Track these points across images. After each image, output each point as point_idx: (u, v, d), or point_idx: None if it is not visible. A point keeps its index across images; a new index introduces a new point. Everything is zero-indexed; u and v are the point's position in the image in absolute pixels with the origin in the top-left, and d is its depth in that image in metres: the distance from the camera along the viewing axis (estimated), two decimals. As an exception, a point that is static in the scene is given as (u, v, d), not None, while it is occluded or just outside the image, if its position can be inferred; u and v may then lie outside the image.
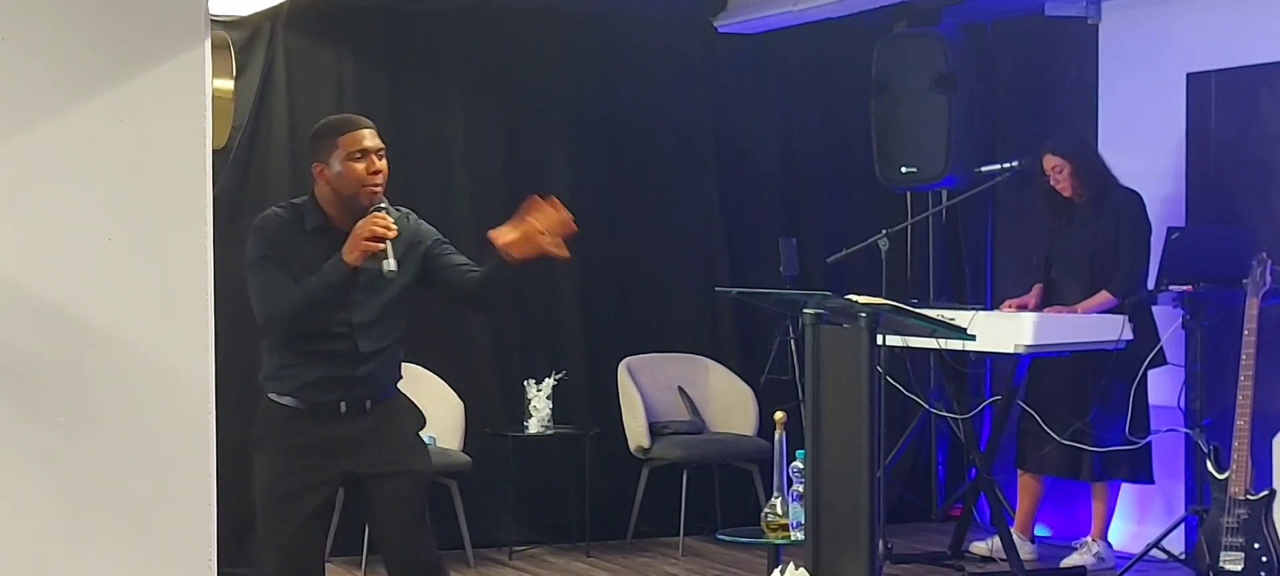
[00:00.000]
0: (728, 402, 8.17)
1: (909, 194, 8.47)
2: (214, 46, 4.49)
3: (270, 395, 4.67)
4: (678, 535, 7.84)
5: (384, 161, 4.63)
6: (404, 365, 4.87)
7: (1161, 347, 6.97)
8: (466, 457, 7.41)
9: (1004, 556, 7.07)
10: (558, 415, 7.80)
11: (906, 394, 7.43)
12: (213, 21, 4.46)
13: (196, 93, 4.31)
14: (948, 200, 8.26)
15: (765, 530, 5.67)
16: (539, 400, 7.75)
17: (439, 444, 7.27)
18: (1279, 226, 7.10)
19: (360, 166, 4.58)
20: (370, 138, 4.62)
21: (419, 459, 4.78)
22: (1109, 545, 7.27)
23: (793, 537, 5.60)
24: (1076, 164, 7.16)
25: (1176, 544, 7.05)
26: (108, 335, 4.20)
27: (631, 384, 7.96)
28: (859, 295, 5.43)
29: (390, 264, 4.48)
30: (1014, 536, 7.13)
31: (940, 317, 6.06)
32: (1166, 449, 7.25)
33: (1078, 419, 7.01)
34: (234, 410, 6.62)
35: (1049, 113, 8.23)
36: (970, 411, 7.43)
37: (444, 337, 7.61)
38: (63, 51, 4.18)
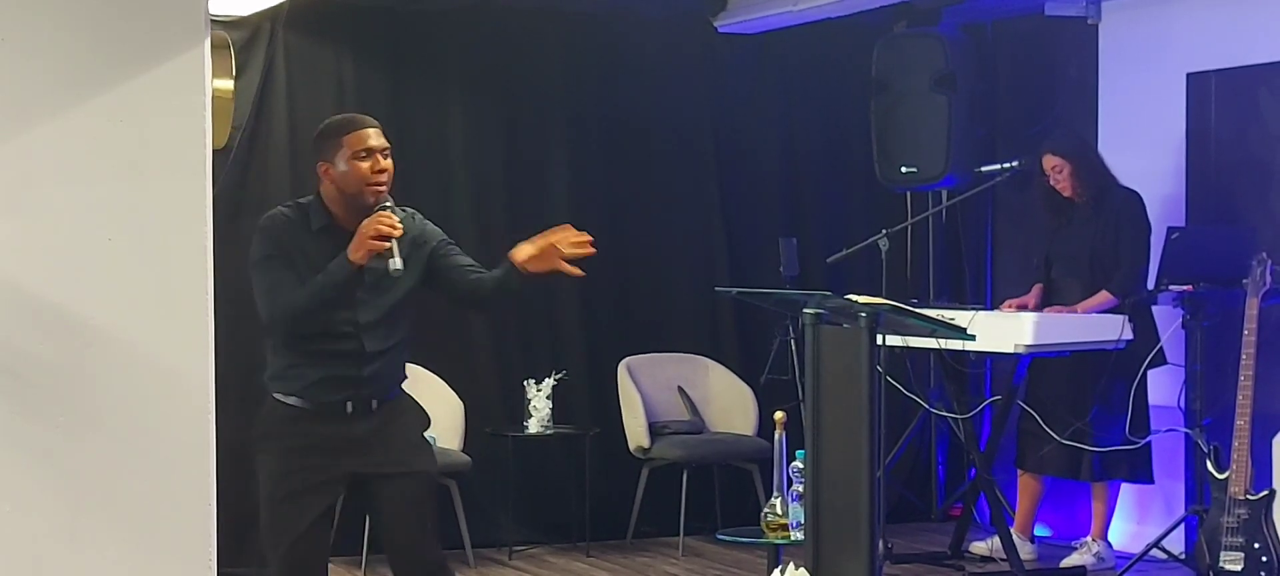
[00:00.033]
0: (728, 402, 8.18)
1: (909, 194, 8.47)
2: (214, 46, 4.49)
3: (275, 395, 4.66)
4: (678, 535, 7.84)
5: (389, 160, 4.63)
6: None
7: (1161, 347, 6.97)
8: (466, 457, 7.41)
9: (1004, 556, 7.07)
10: (558, 415, 7.80)
11: (906, 394, 7.43)
12: (213, 21, 4.45)
13: (196, 93, 4.30)
14: (948, 200, 8.26)
15: (765, 530, 5.67)
16: (539, 400, 7.75)
17: (439, 444, 7.27)
18: (1279, 226, 7.11)
19: (365, 165, 4.58)
20: (375, 137, 4.62)
21: (425, 460, 4.78)
22: (1109, 545, 7.27)
23: (793, 537, 5.60)
24: (1076, 164, 7.16)
25: (1176, 544, 7.05)
26: (108, 335, 4.20)
27: (631, 384, 7.96)
28: (859, 295, 5.43)
29: (396, 262, 4.48)
30: (1014, 536, 7.13)
31: (940, 317, 6.06)
32: (1166, 449, 7.25)
33: (1078, 419, 7.01)
34: (234, 410, 6.63)
35: (1049, 113, 8.23)
36: (970, 411, 7.43)
37: (444, 337, 7.61)
38: (63, 51, 4.18)
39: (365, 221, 4.51)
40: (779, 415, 5.70)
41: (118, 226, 4.22)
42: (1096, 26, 8.02)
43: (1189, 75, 7.52)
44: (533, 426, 7.76)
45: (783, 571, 5.25)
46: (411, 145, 7.66)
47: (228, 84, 7.25)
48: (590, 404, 8.15)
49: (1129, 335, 6.89)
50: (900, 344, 6.86)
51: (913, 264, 8.59)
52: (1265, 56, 7.20)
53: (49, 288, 4.16)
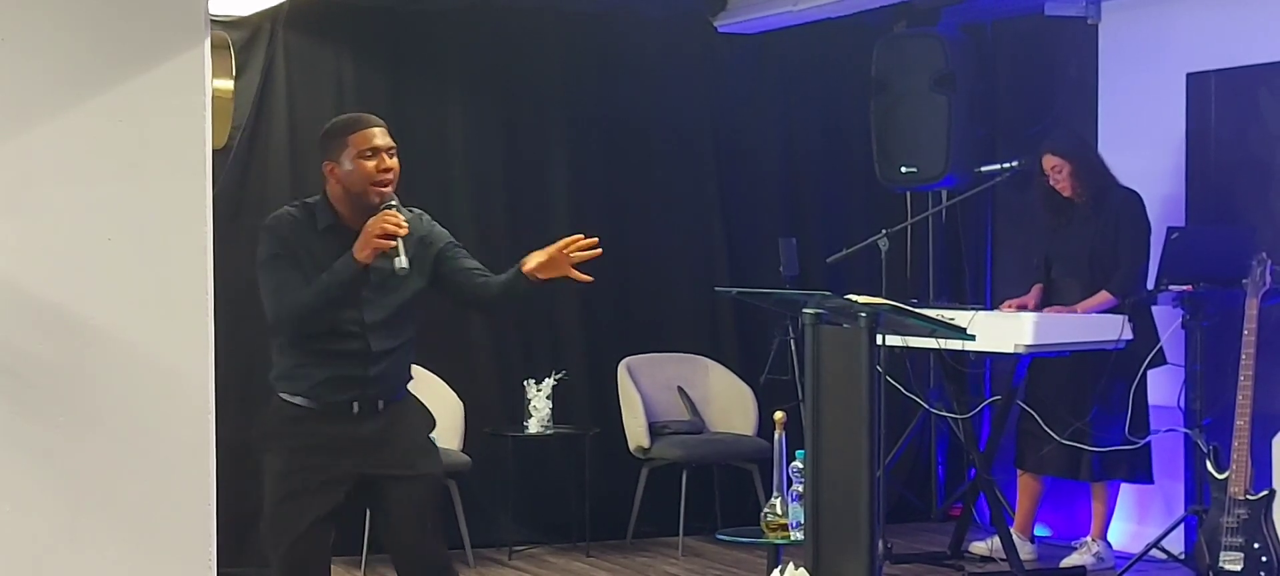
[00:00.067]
0: (727, 402, 8.18)
1: (909, 194, 8.47)
2: (214, 46, 4.48)
3: (282, 395, 4.65)
4: (677, 535, 7.84)
5: (395, 160, 4.64)
6: (406, 365, 4.87)
7: (1161, 347, 6.97)
8: (466, 457, 7.41)
9: (1004, 556, 7.07)
10: (557, 415, 7.80)
11: (906, 394, 7.44)
12: (213, 21, 4.45)
13: (196, 93, 4.30)
14: (947, 200, 8.26)
15: (765, 530, 5.67)
16: (539, 400, 7.75)
17: (439, 444, 7.24)
18: (1279, 226, 7.11)
19: (371, 165, 4.58)
20: (381, 136, 4.63)
21: (431, 462, 4.78)
22: (1108, 545, 7.27)
23: (792, 537, 5.60)
24: (1076, 164, 7.16)
25: (1176, 544, 7.05)
26: (108, 335, 4.20)
27: (631, 384, 7.96)
28: (859, 295, 5.43)
29: (401, 261, 4.48)
30: (1014, 536, 7.13)
31: (940, 317, 6.06)
32: (1166, 449, 7.25)
33: (1077, 419, 7.01)
34: (234, 410, 6.65)
35: (1049, 113, 8.23)
36: (970, 411, 7.43)
37: (444, 337, 7.61)
38: (63, 51, 4.18)
39: (371, 220, 4.51)
40: (779, 415, 5.70)
41: (118, 226, 4.22)
42: (1096, 26, 8.02)
43: (1189, 75, 7.52)
44: (533, 426, 7.76)
45: (782, 571, 5.25)
46: (411, 145, 7.61)
47: (228, 84, 7.25)
48: (590, 404, 8.15)
49: (1129, 335, 6.89)
50: (900, 344, 6.86)
51: (912, 264, 8.59)
52: (1265, 56, 7.20)
53: (49, 288, 4.16)
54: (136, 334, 4.23)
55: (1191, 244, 6.93)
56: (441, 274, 4.71)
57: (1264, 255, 6.34)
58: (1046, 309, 7.16)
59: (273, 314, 4.61)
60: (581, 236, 4.61)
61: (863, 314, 5.26)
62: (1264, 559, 6.09)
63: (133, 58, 4.23)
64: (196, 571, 4.29)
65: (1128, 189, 7.16)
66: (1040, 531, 7.68)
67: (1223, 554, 6.16)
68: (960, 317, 6.45)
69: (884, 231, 7.62)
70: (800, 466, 5.54)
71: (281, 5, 7.34)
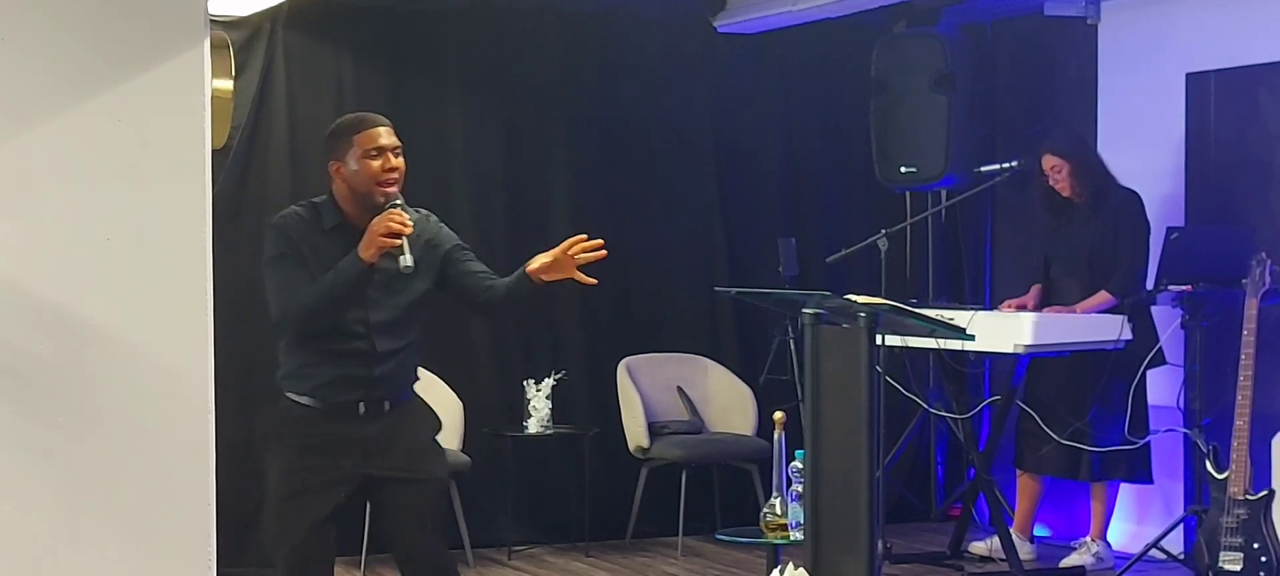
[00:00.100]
0: (727, 402, 8.18)
1: (908, 194, 8.47)
2: (213, 46, 4.49)
3: (288, 394, 4.65)
4: (677, 535, 7.84)
5: (400, 159, 4.64)
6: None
7: (1161, 347, 6.97)
8: (466, 457, 7.42)
9: (1003, 556, 7.08)
10: (557, 415, 7.80)
11: (906, 394, 7.44)
12: (212, 21, 4.46)
13: (196, 93, 4.31)
14: (947, 200, 8.26)
15: (764, 530, 5.67)
16: (538, 400, 7.75)
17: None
18: (1278, 226, 7.11)
19: (376, 164, 4.59)
20: (386, 135, 4.63)
21: (437, 464, 4.77)
22: (1108, 545, 7.27)
23: (792, 537, 5.60)
24: (1075, 164, 7.16)
25: (1176, 544, 7.05)
26: (108, 335, 4.20)
27: (631, 384, 7.96)
28: (858, 295, 5.43)
29: (407, 260, 4.47)
30: (1013, 536, 7.14)
31: (939, 317, 6.06)
32: (1166, 449, 7.25)
33: (1077, 419, 7.02)
34: (234, 410, 6.64)
35: (1048, 113, 8.23)
36: (969, 411, 7.43)
37: (443, 337, 7.60)
38: (63, 51, 4.18)
39: (376, 219, 4.51)
40: (778, 415, 5.70)
41: (117, 226, 4.22)
42: (1096, 26, 8.02)
43: (1188, 75, 7.52)
44: (532, 426, 7.76)
45: (782, 571, 5.25)
46: (411, 145, 7.53)
47: (227, 84, 7.25)
48: (590, 404, 8.15)
49: (1128, 335, 6.89)
50: (899, 344, 6.86)
51: (912, 264, 8.59)
52: (1265, 56, 7.20)
53: (49, 288, 4.16)
54: (136, 334, 4.23)
55: (1191, 244, 6.93)
56: (448, 276, 4.71)
57: (1263, 255, 6.34)
58: (1046, 309, 7.16)
59: (278, 312, 4.61)
60: (585, 237, 4.60)
61: (862, 314, 5.26)
62: (1263, 559, 6.09)
63: (133, 58, 4.24)
64: (196, 571, 4.30)
65: (1127, 189, 7.16)
66: (1040, 531, 7.68)
67: (1222, 554, 6.16)
68: (960, 318, 6.45)
69: (883, 231, 7.62)
70: (800, 466, 5.54)
71: (281, 5, 7.34)
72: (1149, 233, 7.10)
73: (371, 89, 7.69)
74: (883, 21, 8.27)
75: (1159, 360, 7.00)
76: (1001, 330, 6.84)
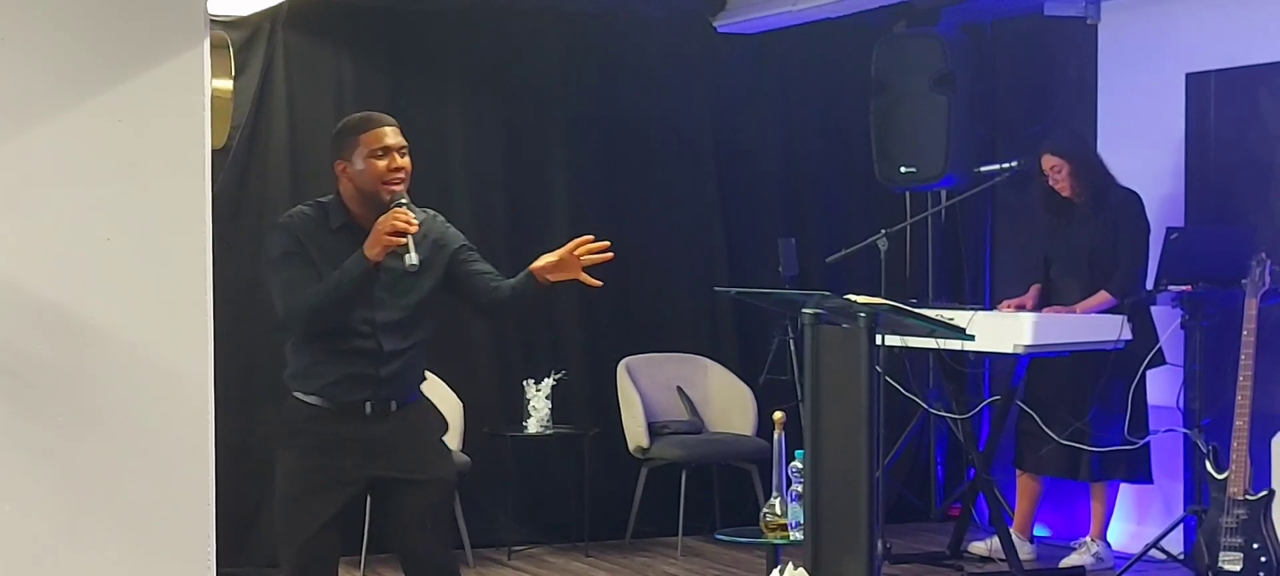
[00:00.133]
0: (727, 402, 8.18)
1: (908, 194, 8.47)
2: (213, 46, 4.49)
3: (296, 394, 4.65)
4: (677, 535, 7.84)
5: (406, 159, 4.64)
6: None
7: (1160, 348, 6.97)
8: (466, 457, 7.41)
9: (1003, 556, 7.08)
10: (557, 415, 7.80)
11: (905, 394, 7.44)
12: (212, 21, 4.46)
13: (196, 93, 4.31)
14: (947, 200, 8.26)
15: (764, 530, 5.67)
16: (538, 400, 7.75)
17: (438, 443, 7.27)
18: (1278, 226, 7.11)
19: (382, 164, 4.59)
20: (392, 135, 4.63)
21: (442, 466, 4.77)
22: (1108, 545, 7.27)
23: (791, 537, 5.60)
24: (1075, 164, 7.16)
25: (1175, 544, 7.05)
26: (107, 335, 4.21)
27: (630, 384, 7.96)
28: (858, 295, 5.43)
29: (412, 258, 4.47)
30: (1013, 536, 7.14)
31: (939, 318, 6.06)
32: (1165, 449, 7.25)
33: (1076, 419, 7.02)
34: (234, 410, 6.65)
35: (1048, 113, 8.23)
36: (969, 411, 7.43)
37: (443, 337, 7.50)
38: (63, 51, 4.18)
39: (381, 218, 4.51)
40: (778, 415, 5.70)
41: (117, 226, 4.22)
42: (1096, 26, 8.02)
43: (1188, 75, 7.52)
44: (532, 426, 7.76)
45: (782, 571, 5.25)
46: (411, 145, 7.64)
47: (227, 84, 7.23)
48: (589, 404, 8.15)
49: (1128, 335, 6.89)
50: (899, 344, 6.87)
51: (912, 264, 8.59)
52: (1265, 56, 7.20)
53: (49, 288, 4.16)
54: (136, 334, 4.24)
55: (1191, 244, 6.93)
56: (454, 276, 4.71)
57: (1263, 255, 6.34)
58: (1046, 309, 7.17)
59: (284, 311, 4.61)
60: (591, 238, 4.60)
61: (862, 314, 5.26)
62: (1263, 559, 6.09)
63: (133, 58, 4.24)
64: (196, 571, 4.30)
65: (1127, 189, 7.16)
66: (1039, 531, 7.68)
67: (1222, 554, 6.16)
68: (959, 318, 6.45)
69: (883, 231, 7.62)
70: (799, 466, 5.54)
71: (281, 5, 7.34)
72: (1149, 233, 7.10)
73: (371, 89, 7.68)
74: (883, 21, 8.26)
75: (1159, 360, 7.00)
76: (1001, 330, 6.84)
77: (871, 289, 7.34)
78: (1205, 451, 6.38)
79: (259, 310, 7.29)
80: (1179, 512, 7.06)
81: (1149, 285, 7.02)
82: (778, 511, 5.62)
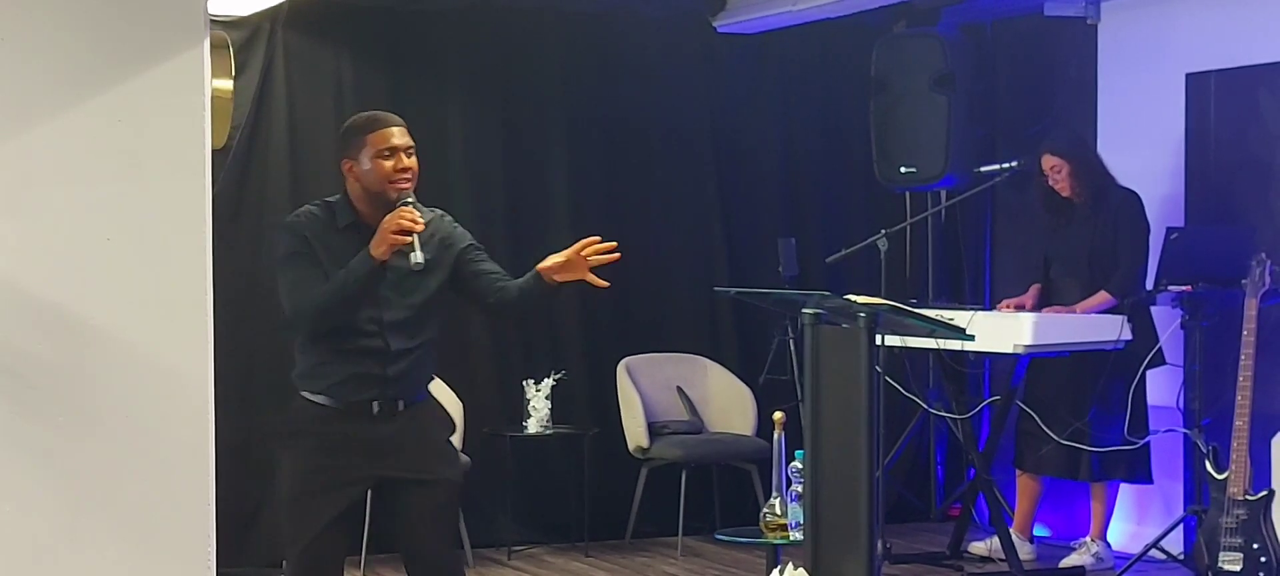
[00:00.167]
0: (727, 402, 8.18)
1: (908, 194, 8.47)
2: (213, 46, 4.49)
3: (304, 393, 4.65)
4: (676, 535, 7.84)
5: (413, 159, 4.63)
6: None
7: (1160, 348, 6.98)
8: (465, 458, 7.39)
9: (1003, 556, 7.08)
10: (557, 415, 7.80)
11: (905, 394, 7.44)
12: (212, 21, 4.46)
13: (195, 93, 4.31)
14: (947, 200, 8.26)
15: (764, 530, 5.67)
16: (538, 400, 7.75)
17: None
18: (1278, 226, 7.11)
19: (388, 164, 4.58)
20: (399, 135, 4.63)
21: (450, 467, 4.76)
22: (1108, 545, 7.27)
23: (791, 537, 5.60)
24: (1075, 164, 7.17)
25: (1175, 544, 7.05)
26: (107, 335, 4.21)
27: (630, 384, 7.96)
28: (858, 295, 5.43)
29: (417, 256, 4.46)
30: (1013, 536, 7.14)
31: (939, 318, 6.06)
32: (1165, 449, 7.25)
33: (1076, 419, 7.02)
34: (234, 410, 6.65)
35: (1048, 113, 8.23)
36: (969, 411, 7.43)
37: (443, 337, 7.52)
38: (63, 51, 4.18)
39: (386, 217, 4.51)
40: (778, 415, 5.70)
41: (117, 226, 4.22)
42: (1096, 26, 8.02)
43: (1188, 75, 7.52)
44: (532, 426, 7.76)
45: (781, 571, 5.25)
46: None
47: (227, 84, 7.23)
48: (589, 404, 8.15)
49: (1128, 335, 6.89)
50: (899, 344, 6.87)
51: (912, 264, 8.59)
52: (1265, 56, 7.20)
53: (49, 288, 4.17)
54: (136, 334, 4.24)
55: (1191, 244, 6.93)
56: (460, 276, 4.71)
57: (1263, 255, 6.34)
58: (1046, 309, 7.17)
59: (290, 310, 4.61)
60: (598, 239, 4.60)
61: (862, 314, 5.26)
62: (1263, 559, 6.09)
63: (133, 58, 4.24)
64: (196, 571, 4.30)
65: (1127, 189, 7.16)
66: (1039, 531, 7.68)
67: (1222, 554, 6.16)
68: (959, 318, 6.45)
69: (883, 231, 7.62)
70: (799, 466, 5.54)
71: (281, 5, 7.34)
72: (1149, 233, 7.10)
73: (371, 89, 7.68)
74: (883, 21, 8.27)
75: (1159, 360, 7.00)
76: (1001, 330, 6.84)
77: (871, 289, 7.35)
78: (1205, 451, 6.38)
79: (259, 310, 7.31)
80: (1179, 513, 7.06)
81: (1149, 285, 7.02)
82: (778, 511, 5.62)
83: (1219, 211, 7.43)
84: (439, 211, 4.77)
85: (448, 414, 4.87)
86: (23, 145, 4.15)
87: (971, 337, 5.82)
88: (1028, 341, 6.76)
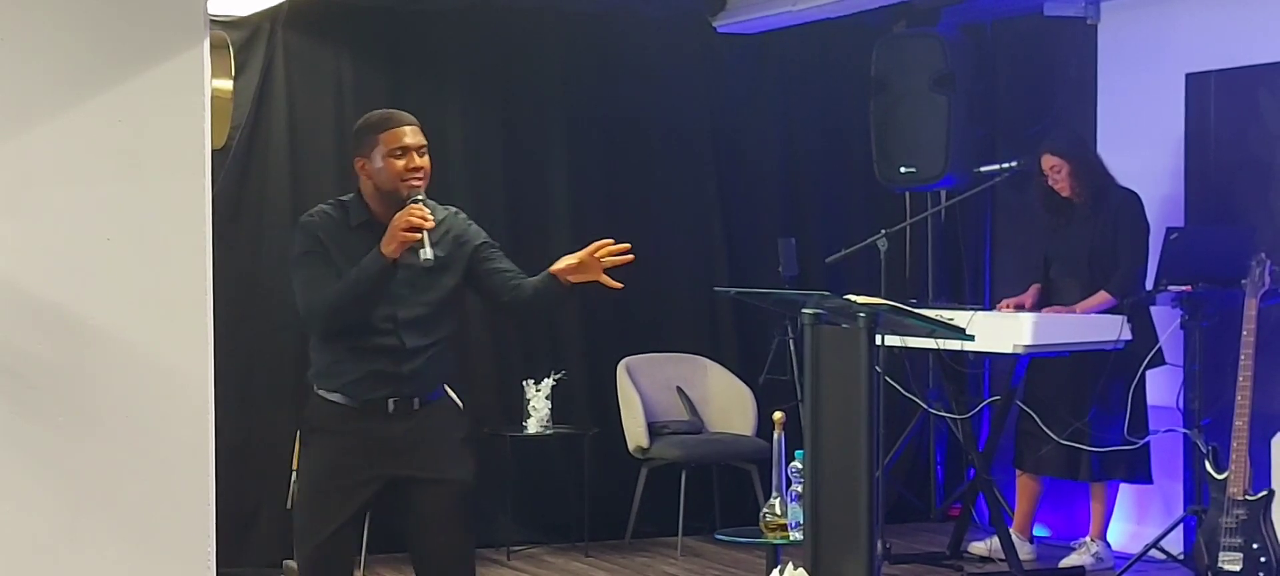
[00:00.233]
0: (726, 402, 8.18)
1: (908, 194, 8.47)
2: (213, 46, 4.48)
3: (319, 392, 4.65)
4: (676, 535, 7.84)
5: (425, 158, 4.63)
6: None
7: (1160, 348, 6.98)
8: (467, 457, 7.41)
9: (1003, 556, 7.08)
10: (556, 415, 7.80)
11: (905, 394, 7.44)
12: (212, 21, 4.45)
13: (195, 93, 4.30)
14: (947, 200, 8.27)
15: (764, 530, 5.67)
16: (538, 400, 7.75)
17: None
18: (1278, 226, 7.11)
19: (400, 163, 4.59)
20: (411, 134, 4.63)
21: (463, 467, 4.75)
22: (1107, 545, 7.27)
23: (791, 537, 5.60)
24: (1075, 164, 7.17)
25: (1175, 544, 7.05)
26: (107, 335, 4.20)
27: (630, 384, 7.96)
28: (858, 295, 5.43)
29: (426, 253, 4.46)
30: (1013, 536, 7.14)
31: (939, 318, 6.06)
32: (1165, 449, 7.25)
33: (1076, 419, 7.02)
34: (234, 410, 6.65)
35: (1048, 113, 8.24)
36: (969, 411, 7.44)
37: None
38: (63, 51, 4.18)
39: (397, 215, 4.51)
40: (778, 415, 5.70)
41: (117, 226, 4.22)
42: (1095, 26, 8.03)
43: (1188, 75, 7.52)
44: (531, 426, 7.76)
45: (781, 571, 5.25)
46: (412, 145, 7.66)
47: (227, 84, 7.20)
48: (589, 404, 8.15)
49: (1128, 335, 6.89)
50: (899, 344, 6.87)
51: (912, 264, 8.59)
52: (1265, 56, 7.20)
53: (49, 288, 4.16)
54: (136, 334, 4.23)
55: (1191, 244, 6.94)
56: (475, 274, 4.71)
57: (1263, 255, 6.34)
58: (1046, 309, 7.17)
59: (304, 309, 4.61)
60: (612, 241, 4.60)
61: (862, 314, 5.26)
62: (1263, 559, 6.09)
63: (133, 58, 4.23)
64: (196, 571, 4.29)
65: (1126, 189, 7.16)
66: (1039, 531, 7.68)
67: (1222, 554, 6.16)
68: (959, 318, 6.45)
69: (883, 231, 7.63)
70: (799, 466, 5.54)
71: (281, 5, 7.34)
72: (1148, 233, 7.10)
73: (371, 89, 7.68)
74: (883, 21, 8.27)
75: (1158, 360, 7.00)
76: (1001, 330, 6.84)
77: (871, 289, 7.35)
78: (1205, 451, 6.38)
79: (259, 310, 7.31)
80: (1179, 512, 7.06)
81: (1149, 285, 7.02)
82: (777, 511, 5.62)
83: (1219, 211, 7.43)
84: (453, 209, 4.77)
85: (463, 413, 4.84)
86: (23, 145, 4.15)
87: (971, 338, 5.82)
88: (1027, 341, 6.76)
